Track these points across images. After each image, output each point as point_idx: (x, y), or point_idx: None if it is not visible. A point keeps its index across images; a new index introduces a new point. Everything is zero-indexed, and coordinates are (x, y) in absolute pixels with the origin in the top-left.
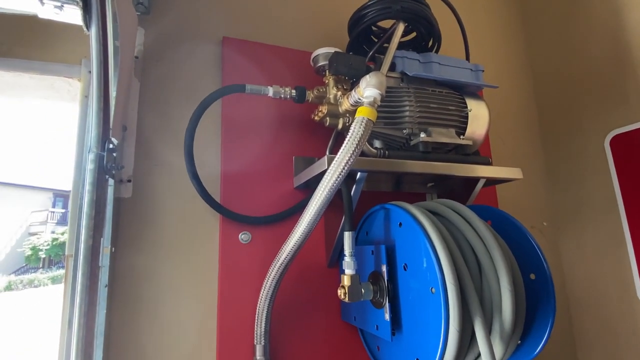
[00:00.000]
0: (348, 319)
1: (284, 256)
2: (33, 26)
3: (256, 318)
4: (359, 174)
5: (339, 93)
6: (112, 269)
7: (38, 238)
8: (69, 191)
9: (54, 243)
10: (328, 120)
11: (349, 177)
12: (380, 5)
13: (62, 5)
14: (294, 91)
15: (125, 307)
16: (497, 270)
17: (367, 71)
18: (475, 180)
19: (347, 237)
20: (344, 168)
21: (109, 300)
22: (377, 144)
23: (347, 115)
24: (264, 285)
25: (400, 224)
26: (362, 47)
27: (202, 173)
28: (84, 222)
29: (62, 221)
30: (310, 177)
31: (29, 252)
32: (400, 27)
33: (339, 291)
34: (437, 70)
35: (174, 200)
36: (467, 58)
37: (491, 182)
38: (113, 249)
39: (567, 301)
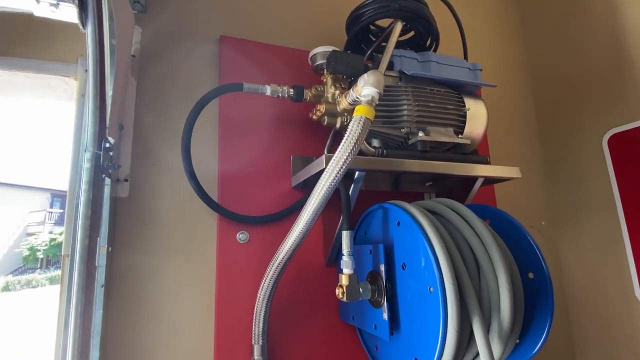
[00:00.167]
0: (346, 319)
1: (281, 256)
2: (29, 25)
3: (254, 318)
4: (357, 173)
5: (337, 92)
6: (109, 269)
7: (36, 238)
8: (67, 191)
9: (51, 243)
10: (326, 119)
11: (347, 176)
12: (378, 3)
13: (58, 3)
14: (291, 90)
15: (122, 307)
16: (495, 270)
17: (365, 70)
18: (474, 179)
19: (345, 236)
20: (342, 167)
21: (105, 301)
22: (375, 143)
23: (345, 114)
24: (261, 285)
25: (399, 223)
26: (360, 46)
27: (199, 172)
28: (80, 222)
29: (59, 221)
30: (308, 176)
31: (27, 253)
32: (398, 26)
33: (337, 290)
34: (435, 69)
35: (171, 200)
36: (465, 57)
37: (489, 181)
38: (110, 248)
39: (565, 300)
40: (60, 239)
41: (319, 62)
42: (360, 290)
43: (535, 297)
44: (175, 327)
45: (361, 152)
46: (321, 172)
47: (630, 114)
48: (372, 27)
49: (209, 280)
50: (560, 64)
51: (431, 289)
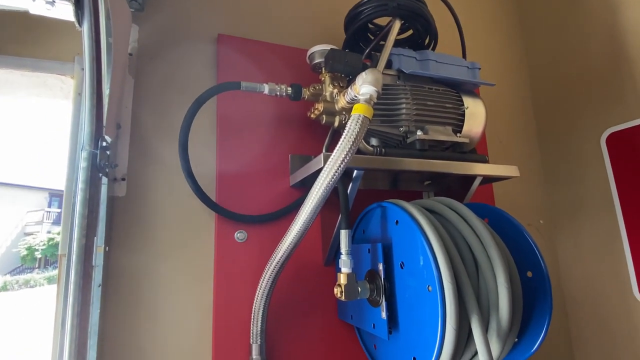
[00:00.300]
0: (345, 318)
1: (280, 255)
2: (25, 23)
3: (252, 317)
4: (355, 172)
5: (335, 90)
6: (106, 269)
7: (34, 238)
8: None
9: (49, 243)
10: (324, 118)
11: (345, 175)
12: (376, 2)
13: (54, 1)
14: (289, 89)
15: (120, 306)
16: (494, 268)
17: (364, 68)
18: (472, 178)
19: (344, 235)
20: (340, 166)
21: (102, 300)
22: (374, 141)
23: (344, 112)
24: (260, 284)
25: (397, 222)
26: (359, 44)
27: (197, 171)
28: (77, 221)
29: (58, 221)
30: (307, 175)
31: (25, 252)
32: (397, 25)
33: (335, 289)
34: (433, 67)
35: (169, 199)
36: (464, 56)
37: (488, 180)
38: (107, 248)
39: (563, 299)
40: (58, 238)
41: (317, 60)
42: (359, 289)
43: (534, 296)
44: (173, 327)
45: (359, 151)
46: (319, 171)
47: (629, 113)
48: (370, 25)
49: (207, 279)
50: (559, 63)
51: (430, 288)
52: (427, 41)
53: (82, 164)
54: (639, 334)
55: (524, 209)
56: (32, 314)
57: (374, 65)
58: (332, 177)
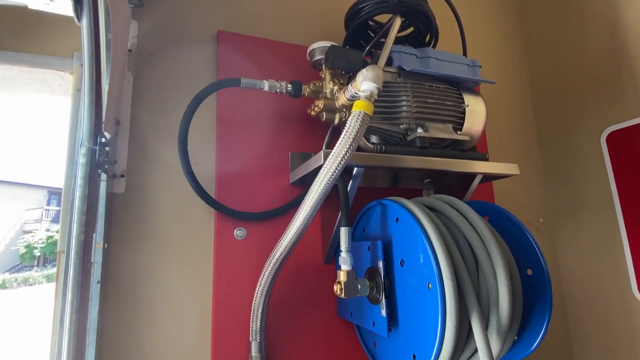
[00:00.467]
0: (344, 315)
1: (279, 252)
2: (24, 18)
3: (252, 314)
4: (355, 169)
5: (336, 87)
6: (105, 265)
7: (33, 236)
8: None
9: (48, 241)
10: (324, 115)
11: (345, 173)
12: None
13: None
14: (289, 85)
15: (119, 303)
16: (494, 266)
17: (364, 65)
18: (472, 176)
19: (344, 232)
20: (340, 163)
21: (101, 297)
22: (374, 139)
23: (344, 110)
24: (259, 282)
25: (397, 220)
26: (359, 42)
27: (196, 168)
28: (75, 217)
29: (56, 219)
30: (306, 172)
31: (24, 250)
32: (397, 22)
33: (335, 287)
34: (434, 65)
35: (168, 196)
36: (464, 53)
37: (488, 178)
38: (106, 244)
39: (562, 298)
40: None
41: (318, 57)
42: (359, 286)
43: (534, 294)
44: (172, 324)
45: (360, 148)
46: (319, 168)
47: (629, 112)
48: (370, 22)
49: (206, 276)
50: (559, 61)
51: (430, 285)
52: (427, 38)
53: (81, 160)
54: (638, 332)
55: (523, 208)
56: (31, 312)
57: (375, 62)
58: (332, 174)
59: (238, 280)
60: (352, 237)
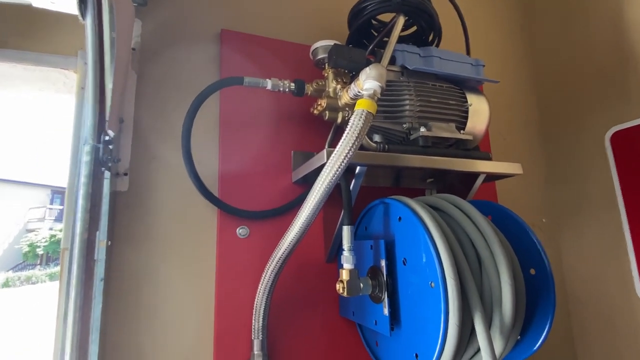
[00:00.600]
0: (346, 314)
1: (282, 251)
2: (28, 16)
3: (254, 313)
4: (358, 168)
5: (339, 86)
6: (108, 263)
7: (36, 235)
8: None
9: (51, 240)
10: (327, 114)
11: (347, 172)
12: None
13: None
14: (292, 84)
15: (122, 301)
16: (497, 265)
17: (367, 64)
18: (475, 175)
19: (346, 231)
20: (343, 161)
21: (104, 295)
22: (377, 138)
23: (347, 109)
24: (261, 280)
25: (400, 219)
26: (362, 41)
27: (199, 167)
28: (79, 215)
29: (60, 218)
30: (309, 171)
31: (27, 249)
32: (401, 21)
33: (337, 285)
34: (437, 64)
35: (172, 194)
36: (468, 52)
37: (491, 177)
38: (109, 242)
39: (565, 297)
40: (60, 235)
41: (321, 56)
42: (361, 285)
43: (537, 294)
44: (175, 322)
45: (362, 147)
46: (322, 166)
47: (634, 111)
48: (374, 21)
49: (208, 274)
50: (563, 61)
51: (432, 285)
52: (431, 37)
53: (85, 158)
54: None
55: (526, 207)
56: (34, 311)
57: (378, 61)
58: (335, 173)
59: (240, 278)
60: (355, 236)
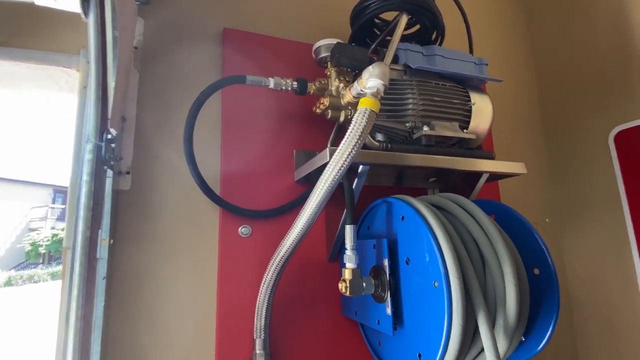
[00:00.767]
0: (348, 314)
1: (284, 250)
2: (31, 15)
3: (256, 312)
4: (361, 167)
5: (341, 85)
6: (111, 262)
7: (38, 234)
8: (69, 186)
9: (53, 239)
10: (330, 113)
11: (350, 171)
12: None
13: None
14: (295, 83)
15: (124, 299)
16: (501, 265)
17: (370, 63)
18: (478, 174)
19: (349, 230)
20: (346, 160)
21: (106, 293)
22: (380, 137)
23: (349, 107)
24: (264, 279)
25: (403, 218)
26: (365, 39)
27: (201, 166)
28: (81, 214)
29: (62, 217)
30: (312, 170)
31: (29, 248)
32: (404, 19)
33: (340, 285)
34: (440, 63)
35: (174, 193)
36: (471, 51)
37: (494, 177)
38: (111, 241)
39: (568, 297)
40: (62, 234)
41: (323, 54)
42: (364, 284)
43: (541, 294)
44: (177, 321)
45: (365, 146)
46: (324, 165)
47: (637, 111)
48: (376, 20)
49: (210, 274)
50: (566, 60)
51: (436, 284)
52: (434, 36)
53: (87, 157)
54: None
55: (529, 207)
56: (36, 309)
57: (381, 59)
58: (338, 172)
59: (242, 277)
60: (357, 235)
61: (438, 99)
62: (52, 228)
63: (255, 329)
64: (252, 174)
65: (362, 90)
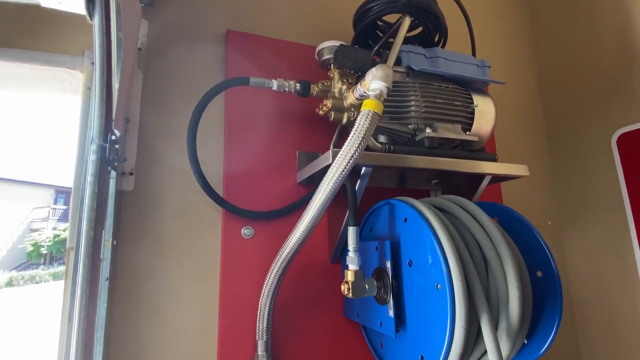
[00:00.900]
0: (351, 316)
1: (286, 252)
2: (36, 16)
3: (258, 313)
4: (363, 168)
5: (344, 87)
6: (114, 263)
7: (40, 234)
8: (71, 187)
9: (55, 239)
10: (332, 115)
11: (353, 172)
12: None
13: None
14: (298, 85)
15: (126, 301)
16: (504, 267)
17: (373, 65)
18: (481, 177)
19: (352, 232)
20: (349, 162)
21: (109, 294)
22: (382, 138)
23: (352, 109)
24: (266, 281)
25: (406, 220)
26: (368, 41)
27: (204, 167)
28: (85, 214)
29: (63, 218)
30: (314, 171)
31: (31, 249)
32: (407, 22)
33: (342, 287)
34: (443, 65)
35: (177, 194)
36: (473, 54)
37: (497, 179)
38: (115, 242)
39: (570, 300)
40: (64, 235)
41: (326, 57)
42: (366, 286)
43: (544, 296)
44: (179, 322)
45: (368, 148)
46: (327, 167)
47: None
48: (379, 22)
49: (213, 275)
50: (569, 62)
51: (438, 286)
52: (436, 38)
53: (92, 157)
54: None
55: (532, 209)
56: (37, 310)
57: (384, 62)
58: (341, 173)
59: (245, 279)
60: (360, 237)
61: (441, 101)
62: (54, 228)
63: (257, 331)
64: (255, 175)
65: (365, 92)
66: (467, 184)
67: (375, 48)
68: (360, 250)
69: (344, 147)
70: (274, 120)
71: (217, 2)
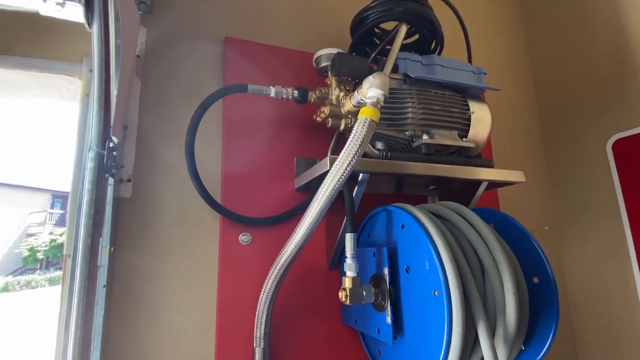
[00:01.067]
0: (348, 322)
1: (284, 258)
2: (34, 23)
3: (256, 320)
4: (361, 175)
5: (342, 94)
6: (111, 270)
7: (36, 239)
8: (68, 192)
9: (52, 244)
10: (330, 121)
11: (350, 179)
12: (383, 7)
13: (64, 2)
14: (296, 92)
15: (124, 308)
16: (500, 273)
17: (370, 72)
18: (478, 183)
19: (349, 238)
20: (346, 169)
21: (106, 301)
22: (379, 145)
23: (350, 116)
24: (264, 287)
25: (403, 226)
26: (365, 49)
27: (202, 173)
28: (82, 221)
29: (60, 222)
30: (312, 178)
31: (27, 253)
32: (403, 29)
33: (340, 293)
34: (439, 72)
35: (174, 201)
36: (470, 60)
37: (493, 185)
38: (112, 249)
39: (567, 305)
40: (61, 240)
41: (324, 64)
42: (364, 293)
43: (540, 303)
44: (177, 329)
45: (365, 155)
46: (325, 174)
47: (635, 119)
48: (376, 30)
49: (210, 281)
50: (565, 68)
51: (436, 293)
52: (433, 45)
53: (89, 164)
54: None
55: (528, 215)
56: (33, 315)
57: (380, 69)
58: (339, 180)
59: (242, 285)
60: (357, 244)
61: (437, 108)
62: (51, 233)
63: (255, 338)
64: (253, 181)
65: (362, 100)
66: (464, 190)
67: (372, 55)
68: (358, 257)
69: (341, 154)
70: (272, 127)
71: (215, 9)
